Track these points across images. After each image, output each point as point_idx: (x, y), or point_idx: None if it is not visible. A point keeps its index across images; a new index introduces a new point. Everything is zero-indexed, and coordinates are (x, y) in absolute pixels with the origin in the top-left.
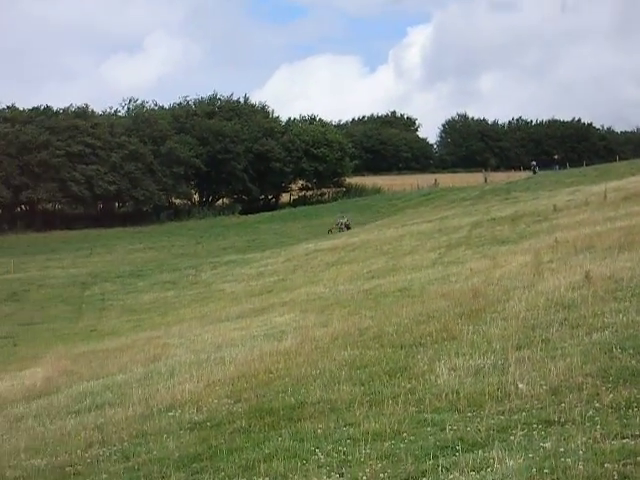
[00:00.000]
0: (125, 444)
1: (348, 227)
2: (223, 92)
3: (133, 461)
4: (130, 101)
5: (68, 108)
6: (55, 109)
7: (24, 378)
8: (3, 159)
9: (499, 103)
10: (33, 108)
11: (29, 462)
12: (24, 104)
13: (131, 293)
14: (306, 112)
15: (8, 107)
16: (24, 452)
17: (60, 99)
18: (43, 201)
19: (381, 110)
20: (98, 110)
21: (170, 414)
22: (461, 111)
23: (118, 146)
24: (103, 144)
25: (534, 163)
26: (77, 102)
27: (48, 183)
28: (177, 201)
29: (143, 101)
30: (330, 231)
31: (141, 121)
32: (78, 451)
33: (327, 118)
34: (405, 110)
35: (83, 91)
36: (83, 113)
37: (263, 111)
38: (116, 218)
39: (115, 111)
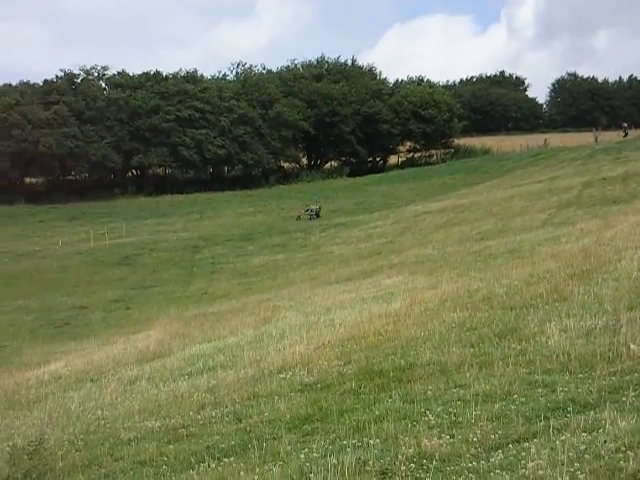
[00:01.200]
0: (237, 406)
1: (318, 215)
2: (331, 55)
3: (245, 423)
4: (239, 65)
5: (178, 73)
6: (165, 74)
7: (137, 341)
8: (114, 125)
9: (611, 61)
10: (143, 73)
11: (143, 424)
12: (134, 70)
13: (241, 256)
14: (415, 73)
15: (119, 73)
16: (138, 414)
17: (170, 64)
18: (154, 166)
19: (490, 70)
20: (207, 75)
21: (281, 376)
22: (572, 70)
23: (227, 110)
24: (212, 108)
25: (625, 125)
26: (187, 67)
27: (158, 148)
28: (285, 164)
29: (251, 65)
30: (299, 217)
31: (250, 85)
32: (191, 413)
33: (435, 79)
34: (516, 70)
35: (193, 56)
36: (192, 78)
37: (371, 73)
38: (225, 182)
39: (224, 75)
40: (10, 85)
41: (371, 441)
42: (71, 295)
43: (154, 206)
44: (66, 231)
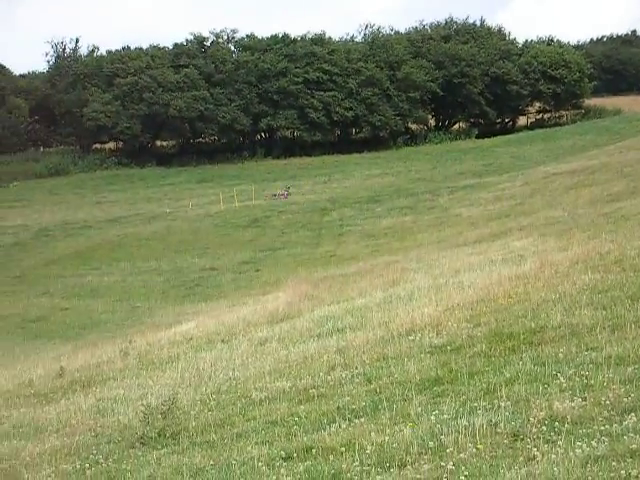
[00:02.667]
0: (366, 367)
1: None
2: (460, 15)
3: (375, 384)
4: (366, 27)
5: (305, 35)
6: (293, 36)
7: (267, 302)
8: (243, 87)
9: None
10: (271, 36)
11: (274, 384)
12: (263, 32)
13: (369, 218)
14: (545, 33)
15: (247, 36)
16: (269, 375)
17: (298, 26)
18: (282, 128)
19: (621, 30)
20: (335, 37)
21: (410, 338)
22: None
23: (355, 72)
24: (340, 70)
25: None
26: (314, 29)
27: (287, 110)
28: (413, 126)
29: (379, 26)
30: (266, 198)
31: (377, 46)
32: (321, 374)
33: (565, 39)
34: None
35: (320, 17)
36: (320, 40)
37: (499, 33)
38: (353, 144)
39: (352, 37)
40: (141, 49)
41: (502, 403)
42: (201, 257)
43: (282, 169)
44: (196, 193)
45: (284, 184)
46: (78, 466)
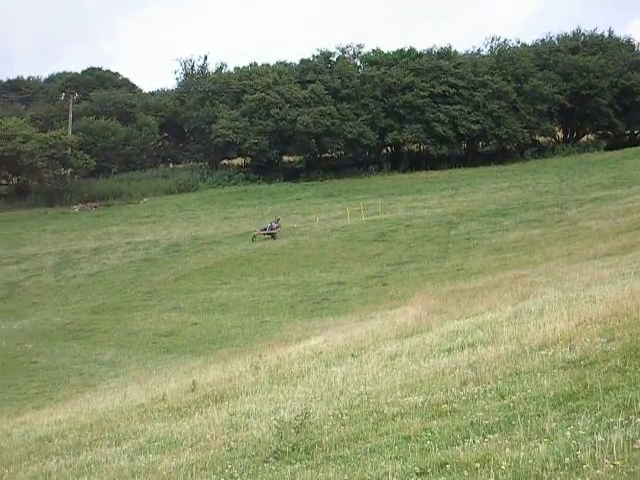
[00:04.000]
0: (499, 382)
1: (273, 236)
2: (587, 27)
3: (508, 399)
4: (492, 39)
5: (432, 49)
6: (419, 51)
7: (394, 317)
8: (369, 102)
9: None
10: (397, 50)
11: (405, 399)
12: (389, 47)
13: (496, 232)
14: None
15: (373, 51)
16: (400, 389)
17: (424, 40)
18: (408, 142)
19: None
20: (461, 50)
21: (542, 352)
22: None
23: (481, 85)
24: (466, 84)
25: None
26: (440, 43)
27: (413, 124)
28: (541, 138)
29: (505, 39)
30: (254, 238)
31: (504, 59)
32: (453, 389)
33: None
34: None
35: (446, 31)
36: (446, 53)
37: (628, 44)
38: (480, 157)
39: (478, 50)
40: (268, 65)
41: (639, 419)
42: (329, 271)
43: (409, 183)
44: (323, 208)
45: (275, 218)
46: None
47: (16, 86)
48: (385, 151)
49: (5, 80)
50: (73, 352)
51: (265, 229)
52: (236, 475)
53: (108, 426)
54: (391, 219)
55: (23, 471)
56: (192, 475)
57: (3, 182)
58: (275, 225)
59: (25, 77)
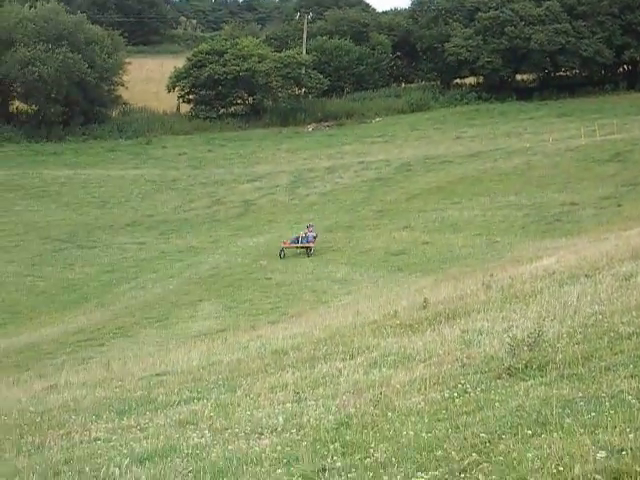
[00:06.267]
0: None
1: (308, 251)
2: None
3: None
4: None
5: None
6: None
7: (629, 238)
8: (606, 19)
9: None
10: None
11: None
12: None
13: None
14: None
15: None
16: (635, 309)
17: None
18: None
19: None
20: None
21: None
22: None
23: None
24: None
25: None
26: None
27: None
28: None
29: None
30: (282, 252)
31: None
32: None
33: None
34: None
35: None
36: None
37: None
38: None
39: None
40: None
41: None
42: (561, 192)
43: None
44: (556, 127)
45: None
46: (446, 395)
47: (252, 6)
48: (621, 70)
49: (241, 0)
50: (306, 269)
51: (298, 240)
52: (469, 390)
53: (342, 341)
54: (627, 139)
55: (260, 382)
56: (425, 389)
57: (239, 102)
58: (311, 235)
59: None
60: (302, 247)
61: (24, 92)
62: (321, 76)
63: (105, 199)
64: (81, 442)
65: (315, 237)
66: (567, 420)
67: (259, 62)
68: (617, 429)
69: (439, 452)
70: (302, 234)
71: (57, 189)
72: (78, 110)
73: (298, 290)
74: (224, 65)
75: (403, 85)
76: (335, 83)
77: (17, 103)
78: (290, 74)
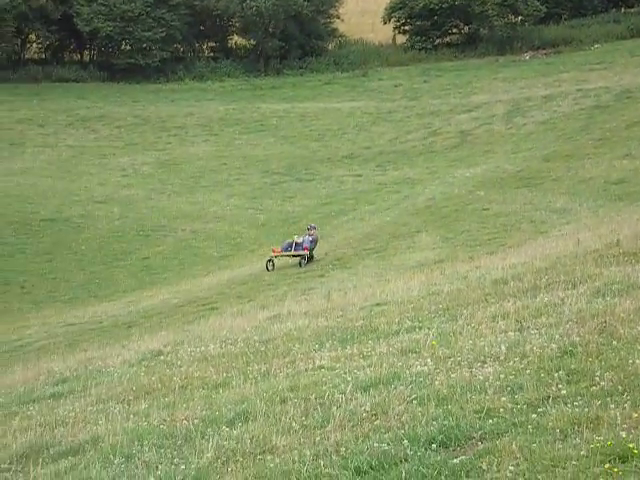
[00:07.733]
0: None
1: (302, 260)
2: None
3: None
4: None
5: None
6: None
7: None
8: None
9: None
10: None
11: None
12: None
13: None
14: None
15: None
16: None
17: None
18: None
19: None
20: None
21: None
22: None
23: None
24: None
25: None
26: None
27: None
28: None
29: None
30: (270, 263)
31: None
32: None
33: None
34: None
35: None
36: None
37: None
38: None
39: None
40: None
41: None
42: None
43: None
44: None
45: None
46: None
47: None
48: None
49: None
50: (524, 199)
51: (290, 247)
52: None
53: (563, 270)
54: None
55: (481, 311)
56: None
57: (454, 31)
58: (308, 240)
59: None
60: (294, 255)
61: (242, 27)
62: (538, 3)
63: (322, 132)
64: (305, 370)
65: (313, 242)
66: None
67: None
68: None
69: None
70: (301, 239)
71: (275, 123)
72: (295, 44)
73: (516, 220)
74: None
75: (623, 10)
76: (552, 10)
77: (235, 38)
78: (506, 1)
